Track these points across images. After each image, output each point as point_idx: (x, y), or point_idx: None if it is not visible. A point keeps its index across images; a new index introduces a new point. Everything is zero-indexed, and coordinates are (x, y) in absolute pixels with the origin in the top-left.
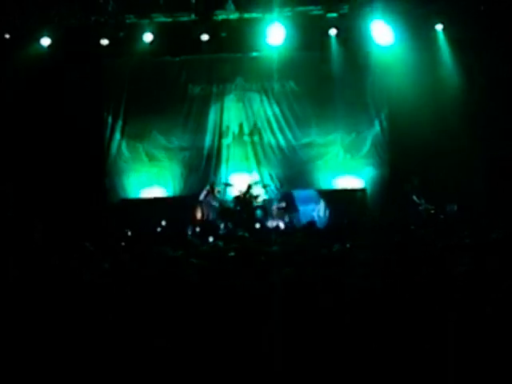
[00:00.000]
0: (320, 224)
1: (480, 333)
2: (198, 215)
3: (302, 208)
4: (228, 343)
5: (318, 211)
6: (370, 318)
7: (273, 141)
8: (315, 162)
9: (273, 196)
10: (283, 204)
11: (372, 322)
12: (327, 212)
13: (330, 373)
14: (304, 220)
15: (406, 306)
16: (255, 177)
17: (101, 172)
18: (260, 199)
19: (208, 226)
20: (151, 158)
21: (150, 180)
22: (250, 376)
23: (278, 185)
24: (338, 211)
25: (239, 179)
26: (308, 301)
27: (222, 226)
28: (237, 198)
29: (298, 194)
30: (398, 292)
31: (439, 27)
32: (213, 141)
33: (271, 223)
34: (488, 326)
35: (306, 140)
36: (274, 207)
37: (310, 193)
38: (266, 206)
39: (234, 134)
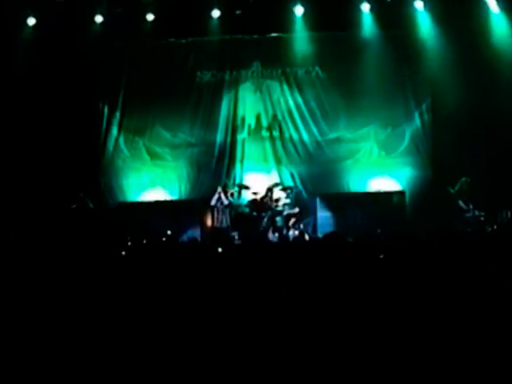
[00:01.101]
0: (350, 234)
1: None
2: (209, 222)
3: (325, 214)
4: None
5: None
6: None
7: (295, 136)
8: (344, 161)
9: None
10: (296, 209)
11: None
12: (357, 220)
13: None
14: (327, 229)
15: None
16: (274, 178)
17: (95, 172)
18: (280, 204)
19: (220, 235)
20: (153, 156)
21: (153, 181)
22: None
23: (300, 186)
24: (370, 219)
25: (256, 180)
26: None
27: (235, 234)
28: (253, 202)
29: (323, 197)
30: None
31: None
32: (225, 136)
33: (291, 233)
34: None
35: (333, 135)
36: (285, 213)
37: (338, 196)
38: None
39: (249, 127)
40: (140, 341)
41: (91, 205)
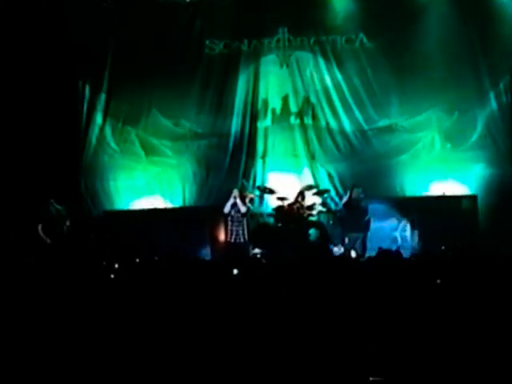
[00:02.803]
0: (405, 251)
1: None
2: (221, 236)
3: (376, 225)
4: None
5: (401, 230)
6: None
7: (333, 124)
8: (397, 156)
9: (333, 207)
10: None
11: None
12: (416, 232)
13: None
14: (376, 244)
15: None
16: (306, 178)
17: (74, 171)
18: (315, 212)
19: (235, 252)
20: (150, 151)
21: (149, 183)
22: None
23: (341, 189)
24: (432, 231)
25: (282, 182)
26: None
27: (255, 251)
28: (279, 210)
29: (370, 203)
30: None
31: None
32: (242, 124)
33: (337, 249)
34: None
35: (383, 122)
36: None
37: (391, 202)
38: (323, 223)
39: (274, 113)
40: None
41: (64, 215)
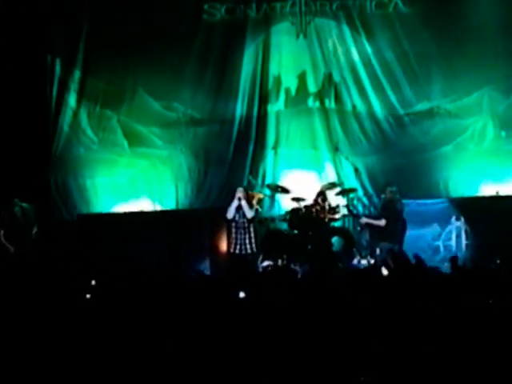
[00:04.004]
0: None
1: None
2: (223, 246)
3: (413, 233)
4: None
5: (445, 239)
6: None
7: (361, 107)
8: (440, 147)
9: (361, 209)
10: (382, 222)
11: None
12: (464, 242)
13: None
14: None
15: None
16: (328, 174)
17: (42, 166)
18: (339, 216)
19: (241, 266)
20: (134, 141)
21: (133, 181)
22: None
23: (370, 188)
24: (484, 239)
25: (299, 178)
26: None
27: (265, 263)
28: (295, 213)
29: (406, 206)
30: None
31: None
32: (249, 108)
33: (365, 262)
34: None
35: (423, 106)
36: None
37: (432, 205)
38: (348, 230)
39: (288, 94)
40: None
41: (32, 218)
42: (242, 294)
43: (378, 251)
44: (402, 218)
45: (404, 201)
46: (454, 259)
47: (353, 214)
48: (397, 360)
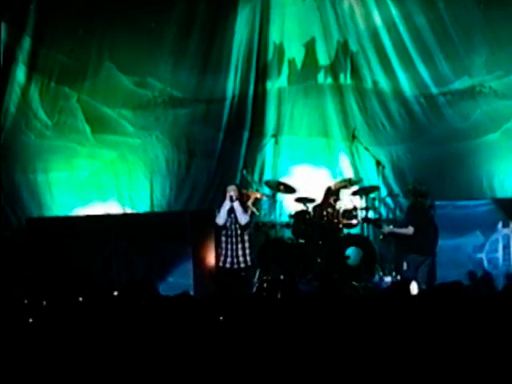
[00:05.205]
0: (496, 280)
1: None
2: (210, 258)
3: (450, 243)
4: None
5: (489, 250)
6: None
7: (385, 85)
8: (484, 135)
9: (384, 213)
10: (410, 230)
11: None
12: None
13: None
14: (451, 271)
15: None
16: (344, 169)
17: None
18: (356, 221)
19: (233, 283)
20: (99, 126)
21: (97, 176)
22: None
23: (396, 187)
24: None
25: (306, 173)
26: None
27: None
28: (300, 217)
29: (441, 209)
30: None
31: None
32: (244, 84)
33: (389, 279)
34: None
35: (462, 83)
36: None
37: (473, 207)
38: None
39: (293, 67)
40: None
41: None
42: (226, 320)
43: (405, 266)
44: (434, 223)
45: (438, 202)
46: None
47: (372, 222)
48: None
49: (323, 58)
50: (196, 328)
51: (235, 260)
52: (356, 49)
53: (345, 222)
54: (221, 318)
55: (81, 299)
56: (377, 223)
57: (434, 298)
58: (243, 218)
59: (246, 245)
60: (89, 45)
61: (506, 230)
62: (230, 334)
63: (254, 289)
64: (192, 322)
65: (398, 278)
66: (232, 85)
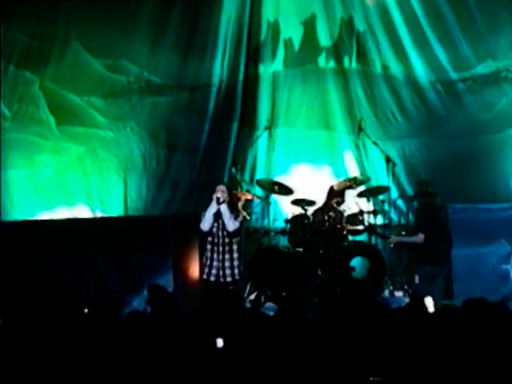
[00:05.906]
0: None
1: None
2: (194, 270)
3: (469, 252)
4: None
5: None
6: None
7: (396, 69)
8: (509, 129)
9: (395, 218)
10: (421, 237)
11: None
12: None
13: None
14: (471, 285)
15: None
16: (349, 166)
17: None
18: (362, 227)
19: (218, 300)
20: (65, 116)
21: (63, 176)
22: None
23: (408, 188)
24: None
25: (304, 172)
26: None
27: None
28: (298, 221)
29: (462, 212)
30: None
31: None
32: (233, 68)
33: (396, 293)
34: None
35: (485, 68)
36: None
37: (498, 211)
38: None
39: (289, 48)
40: None
41: None
42: (220, 343)
43: (416, 279)
44: (448, 229)
45: (456, 205)
46: None
47: (377, 233)
48: None
49: (324, 38)
50: (187, 356)
51: (221, 272)
52: (363, 28)
53: (349, 227)
54: (218, 344)
55: (43, 319)
56: (383, 234)
57: (457, 317)
58: (231, 224)
59: (235, 255)
60: (53, 22)
61: None
62: (229, 363)
63: (248, 304)
64: (181, 346)
65: (410, 292)
66: (219, 69)
